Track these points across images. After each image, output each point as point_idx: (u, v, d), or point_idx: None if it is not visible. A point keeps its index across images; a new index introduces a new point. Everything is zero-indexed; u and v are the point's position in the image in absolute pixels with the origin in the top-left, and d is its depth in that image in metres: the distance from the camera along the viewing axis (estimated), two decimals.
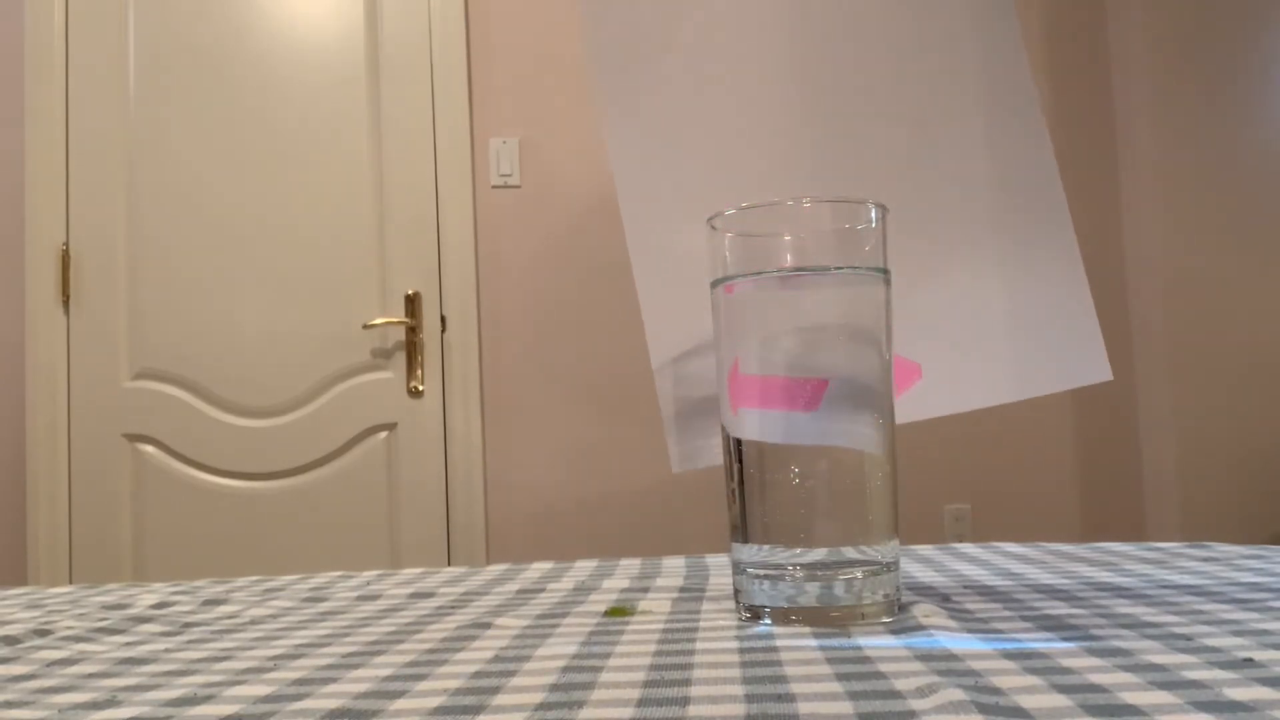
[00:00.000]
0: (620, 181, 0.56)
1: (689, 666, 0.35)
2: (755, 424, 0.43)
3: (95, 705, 0.34)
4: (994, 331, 0.52)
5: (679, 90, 0.56)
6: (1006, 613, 0.43)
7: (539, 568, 0.66)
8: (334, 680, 0.36)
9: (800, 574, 0.43)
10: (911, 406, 0.53)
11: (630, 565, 0.65)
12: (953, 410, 0.55)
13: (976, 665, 0.34)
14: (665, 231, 0.55)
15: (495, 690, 0.33)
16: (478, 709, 0.31)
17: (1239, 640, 0.36)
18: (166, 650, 0.43)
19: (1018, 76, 0.56)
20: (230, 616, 0.51)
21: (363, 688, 0.34)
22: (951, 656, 0.35)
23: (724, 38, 0.55)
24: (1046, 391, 0.55)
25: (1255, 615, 0.40)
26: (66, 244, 2.19)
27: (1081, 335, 0.55)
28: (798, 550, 0.43)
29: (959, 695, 0.29)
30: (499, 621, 0.46)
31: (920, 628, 0.40)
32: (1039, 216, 0.56)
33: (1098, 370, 0.55)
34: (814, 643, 0.38)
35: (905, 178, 0.54)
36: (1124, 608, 0.43)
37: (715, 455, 0.55)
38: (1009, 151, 0.56)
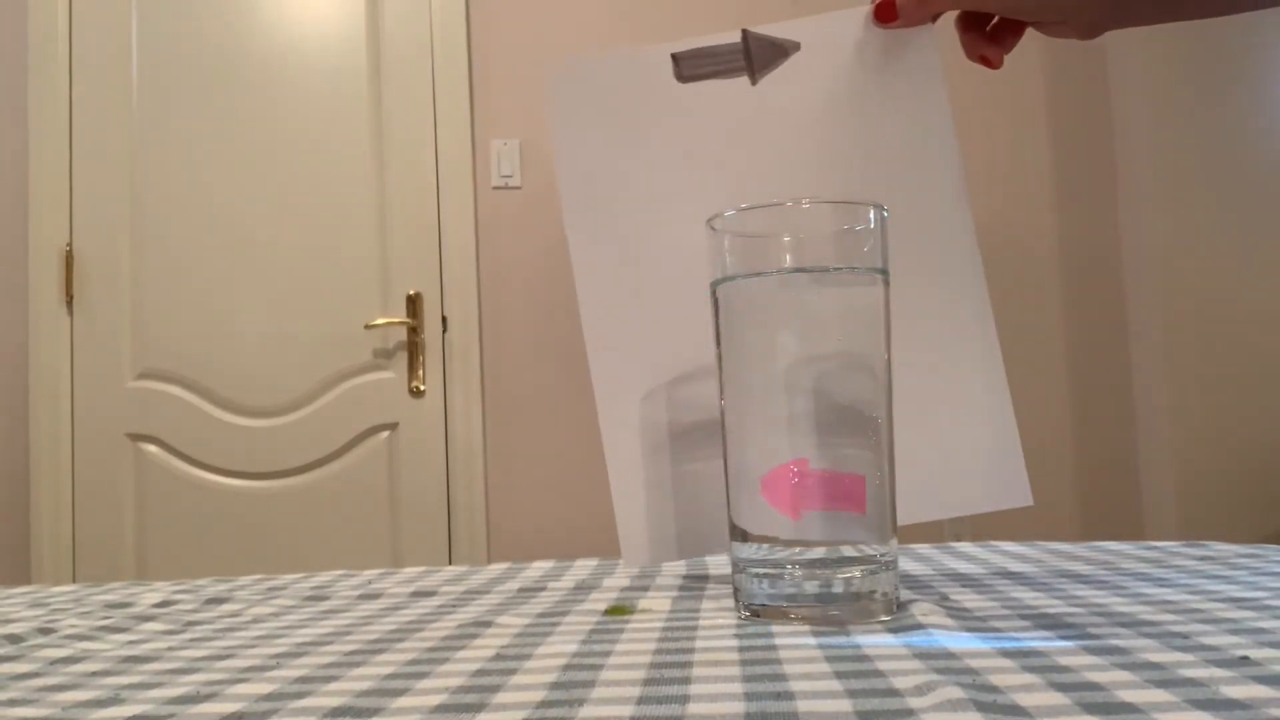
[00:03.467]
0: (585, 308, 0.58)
1: (689, 665, 0.35)
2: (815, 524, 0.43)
3: (98, 703, 0.34)
4: (920, 451, 0.53)
5: (641, 212, 0.57)
6: (1004, 611, 0.43)
7: (540, 566, 0.66)
8: (336, 678, 0.36)
9: (799, 572, 0.43)
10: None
11: None
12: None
13: (974, 663, 0.34)
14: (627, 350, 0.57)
15: (496, 688, 0.33)
16: (479, 707, 0.31)
17: (1236, 639, 0.36)
18: (169, 648, 0.43)
19: (953, 192, 0.57)
20: (232, 615, 0.51)
21: (364, 686, 0.35)
22: (949, 655, 0.35)
23: (687, 159, 0.57)
24: (967, 513, 0.56)
25: (1252, 614, 0.41)
26: (70, 244, 2.19)
27: (1005, 461, 0.56)
28: (797, 549, 0.43)
29: (957, 693, 0.29)
30: (500, 620, 0.46)
31: (919, 626, 0.40)
32: (967, 338, 0.56)
33: (1020, 495, 0.57)
34: (813, 641, 0.39)
35: None
36: (1121, 606, 0.43)
37: (667, 554, 0.56)
38: (941, 273, 0.57)
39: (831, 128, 0.57)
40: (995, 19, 0.56)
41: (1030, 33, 0.56)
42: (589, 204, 0.57)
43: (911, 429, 0.50)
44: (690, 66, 0.57)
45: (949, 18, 0.57)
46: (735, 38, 0.57)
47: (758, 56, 0.57)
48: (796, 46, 0.57)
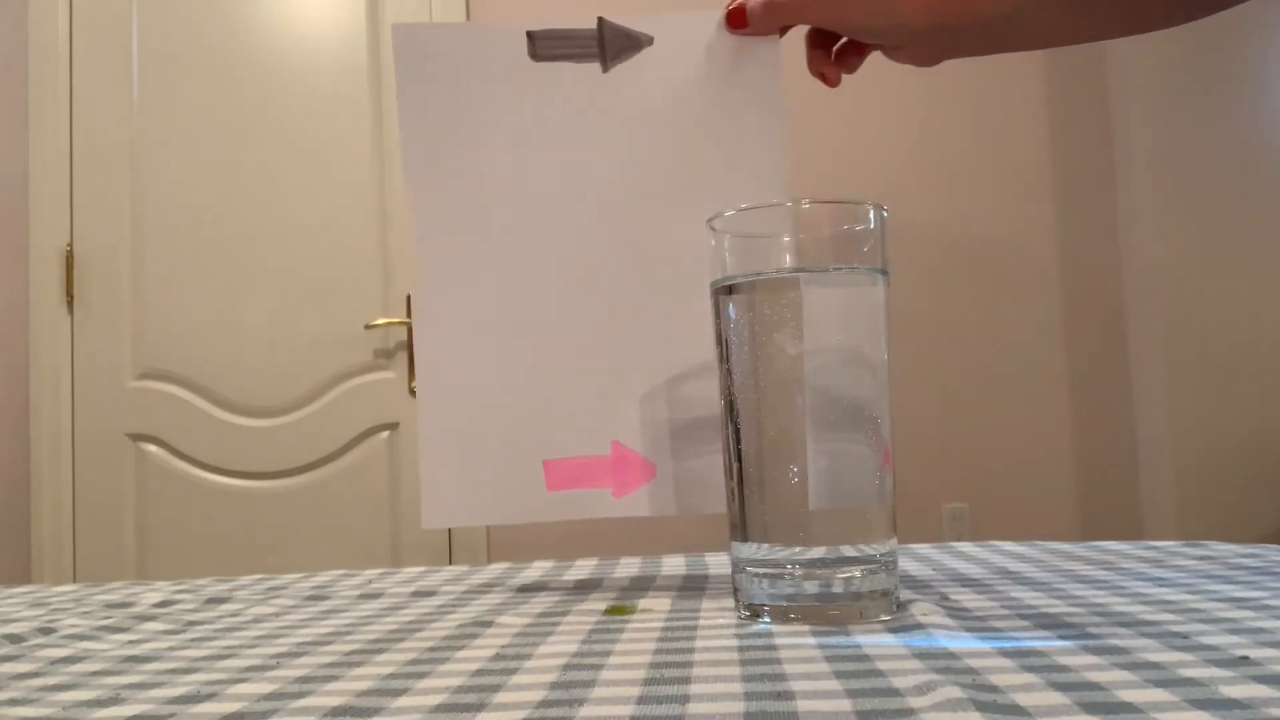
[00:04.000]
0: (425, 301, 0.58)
1: (689, 664, 0.35)
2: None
3: (99, 703, 0.34)
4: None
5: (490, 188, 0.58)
6: (1004, 611, 0.43)
7: (540, 566, 0.66)
8: (336, 678, 0.36)
9: (799, 572, 0.43)
10: (637, 503, 0.55)
11: (630, 563, 0.65)
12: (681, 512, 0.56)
13: (974, 663, 0.34)
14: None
15: (496, 688, 0.33)
16: (479, 706, 0.31)
17: (1235, 638, 0.36)
18: (169, 648, 0.43)
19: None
20: (233, 615, 0.52)
21: (364, 685, 0.35)
22: (949, 654, 0.35)
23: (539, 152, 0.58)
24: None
25: (1251, 614, 0.41)
26: (71, 245, 2.19)
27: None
28: (796, 548, 0.43)
29: (957, 693, 0.29)
30: (500, 619, 0.46)
31: (918, 626, 0.40)
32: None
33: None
34: (813, 640, 0.39)
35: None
36: (1121, 606, 0.43)
37: (464, 517, 0.57)
38: None
39: (668, 124, 0.58)
40: (842, 39, 0.57)
41: None
42: (431, 170, 0.59)
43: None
44: (545, 47, 0.58)
45: (800, 31, 0.58)
46: (591, 24, 0.58)
47: (611, 45, 0.58)
48: (650, 40, 0.58)
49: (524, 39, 0.58)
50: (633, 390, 0.56)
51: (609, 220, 0.56)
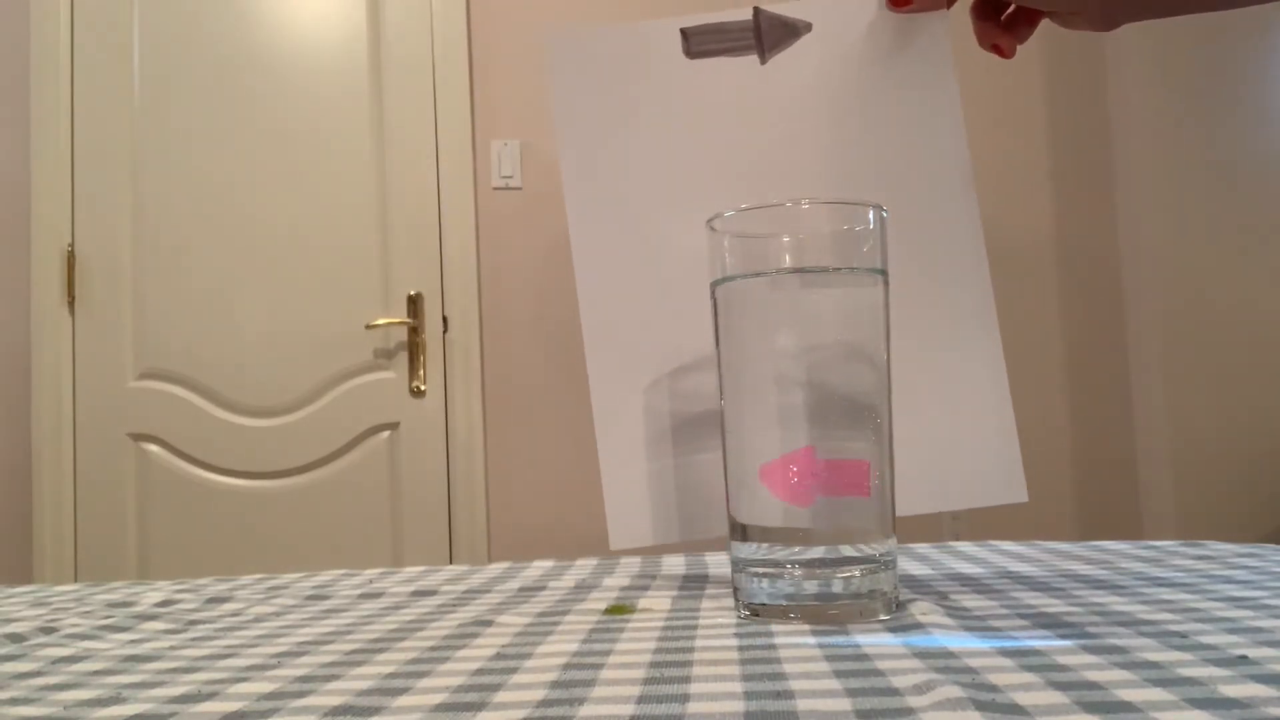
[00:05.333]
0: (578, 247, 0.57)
1: (688, 664, 0.36)
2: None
3: (100, 702, 0.34)
4: (918, 443, 0.52)
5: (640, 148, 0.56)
6: (1003, 610, 0.43)
7: (540, 566, 0.66)
8: (336, 677, 0.36)
9: (799, 572, 0.43)
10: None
11: (630, 563, 0.65)
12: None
13: (973, 663, 0.34)
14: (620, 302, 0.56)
15: (497, 687, 0.33)
16: (479, 706, 0.31)
17: (1234, 638, 0.36)
18: (171, 647, 0.43)
19: (963, 195, 0.56)
20: (234, 614, 0.52)
21: (365, 685, 0.35)
22: (949, 654, 0.35)
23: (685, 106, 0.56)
24: (963, 507, 0.56)
25: (1250, 613, 0.41)
26: (72, 245, 2.20)
27: (1003, 456, 0.56)
28: (796, 548, 0.43)
29: (956, 692, 0.29)
30: (500, 619, 0.46)
31: (918, 625, 0.40)
32: (969, 332, 0.56)
33: (1016, 491, 0.56)
34: (812, 640, 0.39)
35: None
36: (1120, 605, 0.43)
37: (654, 536, 0.55)
38: (945, 265, 0.56)
39: (839, 112, 0.56)
40: (1011, 7, 0.55)
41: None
42: (589, 179, 0.57)
43: (911, 420, 0.50)
44: (699, 42, 0.56)
45: (963, 5, 0.56)
46: (747, 15, 0.56)
47: (768, 35, 0.56)
48: (808, 27, 0.56)
49: (678, 36, 0.56)
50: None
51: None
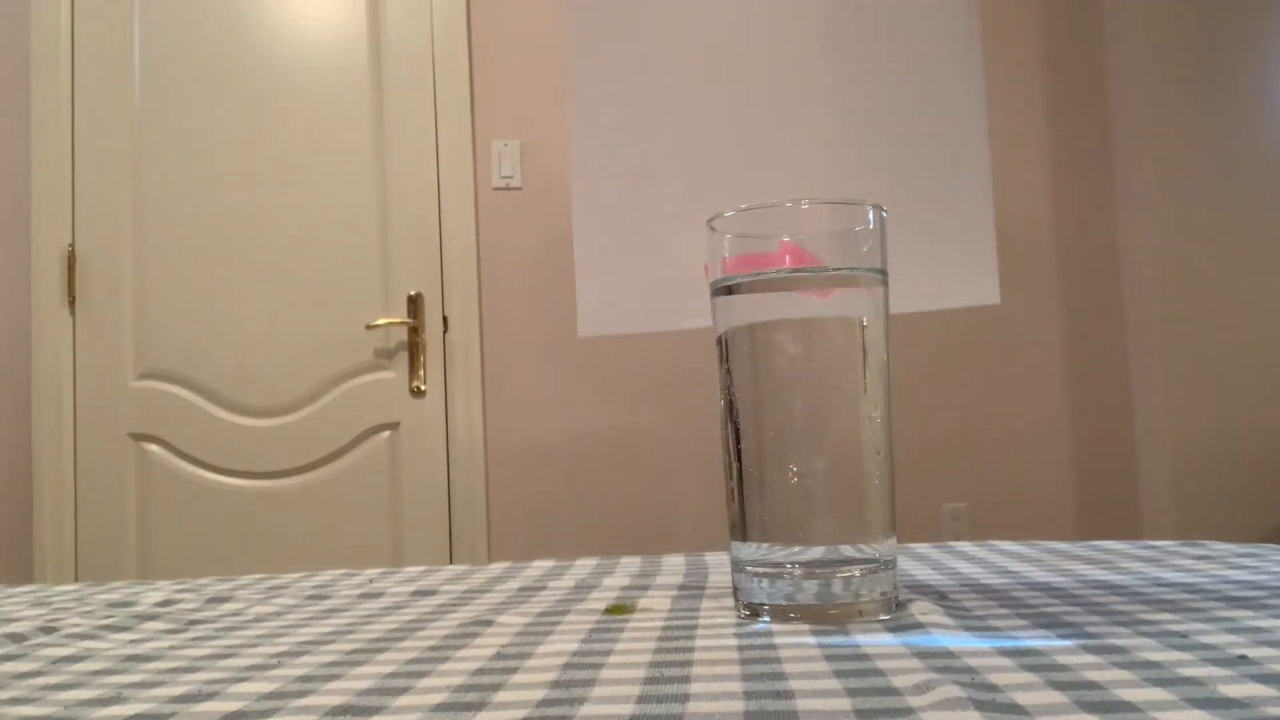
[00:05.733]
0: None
1: (688, 664, 0.36)
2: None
3: (101, 702, 0.34)
4: (907, 248, 0.52)
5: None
6: (1003, 610, 0.43)
7: (540, 566, 0.66)
8: (337, 677, 0.36)
9: (798, 572, 0.43)
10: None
11: (630, 563, 0.65)
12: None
13: (973, 662, 0.34)
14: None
15: (497, 687, 0.34)
16: (479, 705, 0.31)
17: (1233, 638, 0.36)
18: (171, 647, 0.43)
19: (968, 48, 0.57)
20: (234, 614, 0.52)
21: (365, 685, 0.35)
22: (948, 654, 0.35)
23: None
24: (938, 307, 0.56)
25: (1249, 613, 0.41)
26: (72, 245, 2.20)
27: (980, 262, 0.56)
28: (796, 548, 0.43)
29: (956, 692, 0.29)
30: (500, 619, 0.46)
31: (918, 625, 0.40)
32: (958, 139, 0.56)
33: (988, 294, 0.56)
34: (812, 640, 0.39)
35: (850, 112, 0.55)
36: (1120, 605, 0.43)
37: (618, 325, 0.56)
38: (940, 81, 0.56)
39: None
40: None
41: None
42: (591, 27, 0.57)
43: (900, 228, 0.49)
44: None
45: None
46: None
47: None
48: None
49: None
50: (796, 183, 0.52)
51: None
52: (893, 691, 0.31)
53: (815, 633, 0.40)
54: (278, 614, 0.51)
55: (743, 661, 0.35)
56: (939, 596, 0.47)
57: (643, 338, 2.20)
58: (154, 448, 2.18)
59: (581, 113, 0.54)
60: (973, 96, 0.56)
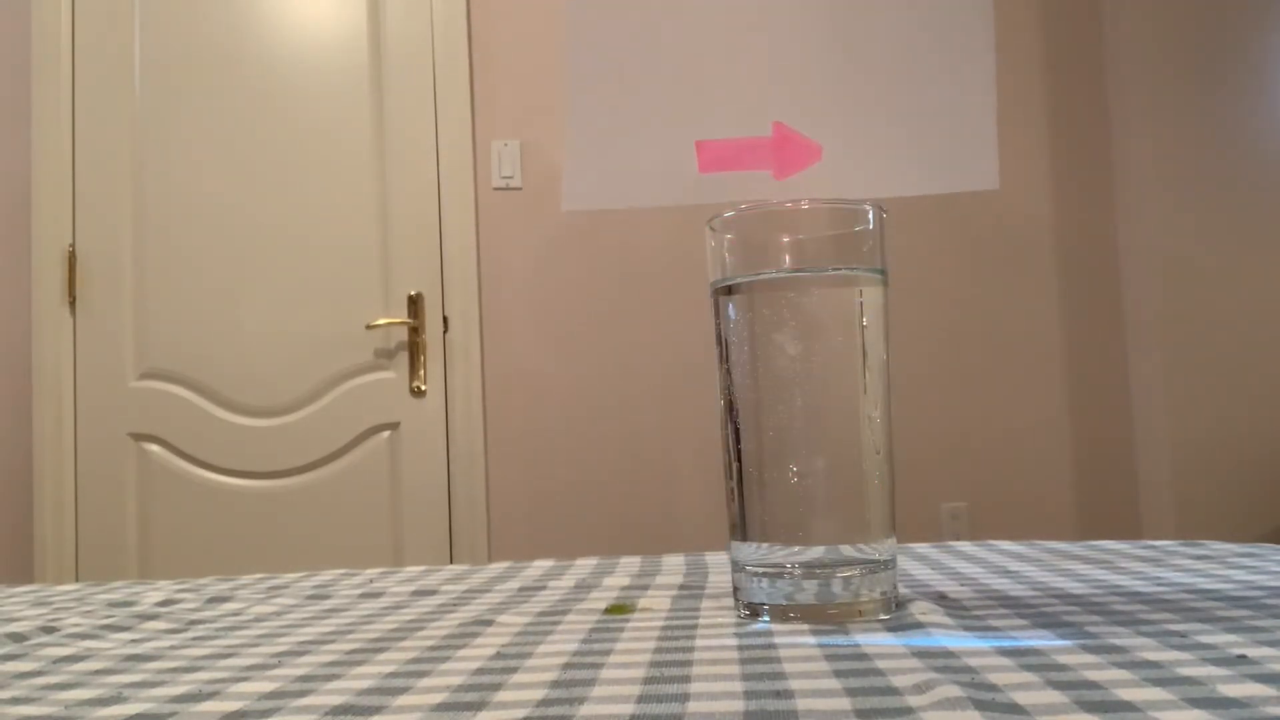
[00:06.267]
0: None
1: (688, 663, 0.36)
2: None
3: (101, 701, 0.34)
4: (907, 131, 0.52)
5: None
6: (1003, 610, 0.43)
7: (540, 565, 0.66)
8: (337, 677, 0.36)
9: (798, 572, 0.43)
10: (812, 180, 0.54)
11: (630, 563, 0.65)
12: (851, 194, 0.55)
13: (973, 662, 0.34)
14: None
15: (497, 687, 0.34)
16: (479, 705, 0.31)
17: (1233, 637, 0.36)
18: (171, 647, 0.43)
19: None
20: (235, 614, 0.52)
21: (366, 684, 0.35)
22: (948, 654, 0.35)
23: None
24: (939, 191, 0.56)
25: (1249, 612, 0.41)
26: (73, 245, 2.20)
27: (981, 147, 0.56)
28: (796, 548, 0.43)
29: (956, 692, 0.29)
30: (500, 619, 0.47)
31: (917, 625, 0.40)
32: (966, 40, 0.56)
33: (986, 178, 0.56)
34: (812, 640, 0.39)
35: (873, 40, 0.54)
36: (1119, 605, 0.43)
37: (608, 199, 0.56)
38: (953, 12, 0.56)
39: None
40: None
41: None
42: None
43: (896, 105, 0.49)
44: None
45: None
46: None
47: None
48: None
49: None
50: (797, 67, 0.52)
51: None
52: (892, 691, 0.31)
53: (815, 633, 0.40)
54: (278, 614, 0.51)
55: (743, 661, 0.35)
56: (939, 596, 0.47)
57: (645, 332, 2.20)
58: (154, 448, 2.18)
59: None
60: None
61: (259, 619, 0.50)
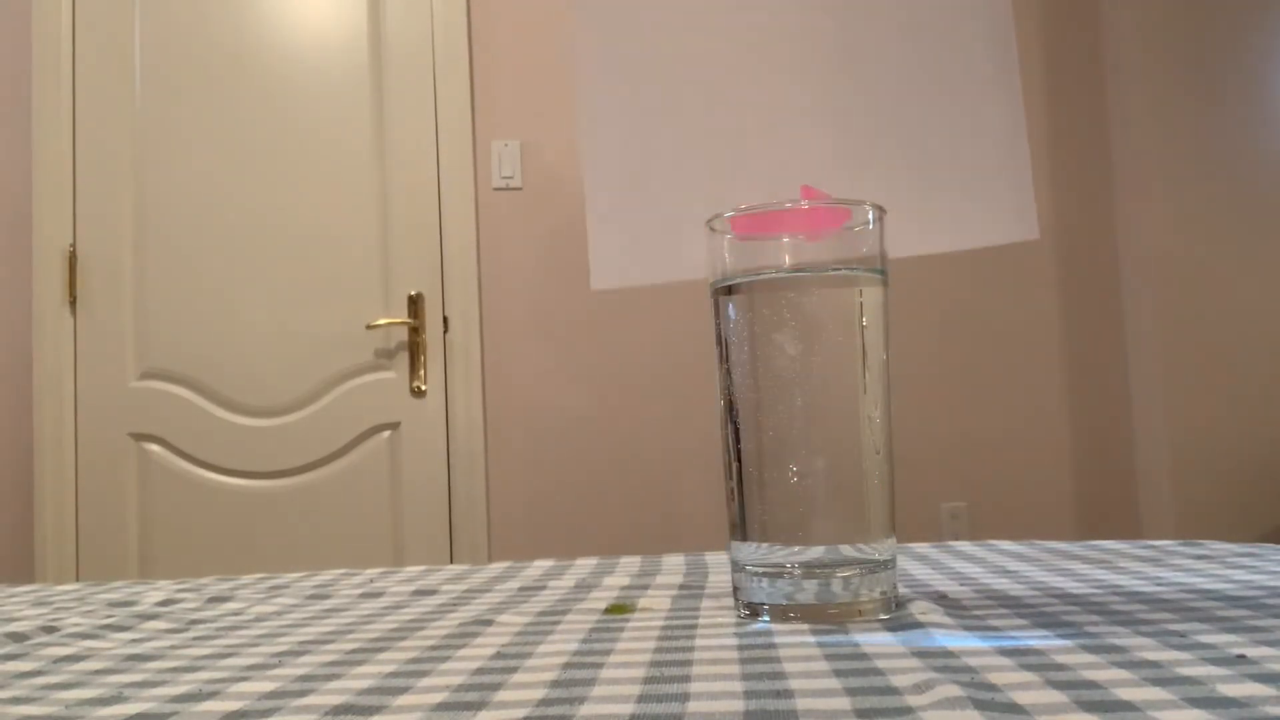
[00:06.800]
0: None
1: (688, 663, 0.36)
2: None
3: (102, 701, 0.34)
4: (940, 187, 0.52)
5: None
6: (1002, 610, 0.43)
7: (540, 565, 0.66)
8: (337, 677, 0.36)
9: (798, 571, 0.43)
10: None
11: (630, 563, 0.65)
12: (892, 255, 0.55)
13: (973, 662, 0.34)
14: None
15: (497, 687, 0.34)
16: (480, 705, 0.31)
17: (1232, 637, 0.36)
18: (172, 647, 0.43)
19: None
20: (235, 614, 0.52)
21: (366, 684, 0.35)
22: (948, 653, 0.35)
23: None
24: (979, 245, 0.55)
25: (1248, 612, 0.41)
26: (73, 245, 2.20)
27: (1017, 196, 0.55)
28: (796, 548, 0.43)
29: (955, 691, 0.30)
30: (501, 618, 0.47)
31: (917, 625, 0.40)
32: (989, 75, 0.55)
33: (1026, 229, 0.56)
34: (812, 640, 0.39)
35: (887, 70, 0.54)
36: (1118, 605, 0.43)
37: (637, 276, 0.55)
38: (967, 14, 0.55)
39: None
40: None
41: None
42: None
43: (928, 159, 0.49)
44: None
45: None
46: None
47: None
48: None
49: None
50: (828, 123, 0.52)
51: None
52: (892, 691, 0.31)
53: (815, 632, 0.40)
54: (278, 613, 0.51)
55: (743, 661, 0.35)
56: (938, 596, 0.47)
57: (645, 332, 2.20)
58: (155, 448, 2.18)
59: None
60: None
61: (259, 619, 0.50)
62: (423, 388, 2.21)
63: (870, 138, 0.51)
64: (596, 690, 0.32)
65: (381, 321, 2.19)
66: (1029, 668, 0.33)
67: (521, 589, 0.56)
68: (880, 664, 0.34)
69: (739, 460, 0.45)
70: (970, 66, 0.55)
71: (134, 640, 0.45)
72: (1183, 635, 0.37)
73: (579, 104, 0.55)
